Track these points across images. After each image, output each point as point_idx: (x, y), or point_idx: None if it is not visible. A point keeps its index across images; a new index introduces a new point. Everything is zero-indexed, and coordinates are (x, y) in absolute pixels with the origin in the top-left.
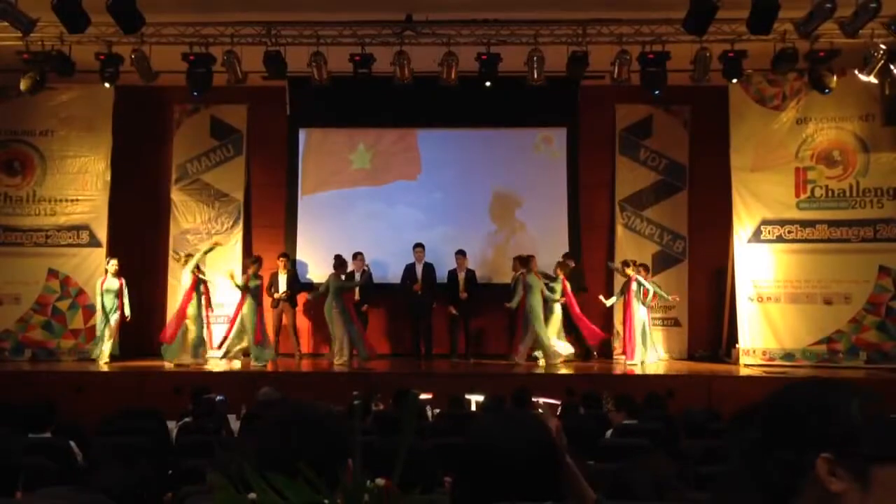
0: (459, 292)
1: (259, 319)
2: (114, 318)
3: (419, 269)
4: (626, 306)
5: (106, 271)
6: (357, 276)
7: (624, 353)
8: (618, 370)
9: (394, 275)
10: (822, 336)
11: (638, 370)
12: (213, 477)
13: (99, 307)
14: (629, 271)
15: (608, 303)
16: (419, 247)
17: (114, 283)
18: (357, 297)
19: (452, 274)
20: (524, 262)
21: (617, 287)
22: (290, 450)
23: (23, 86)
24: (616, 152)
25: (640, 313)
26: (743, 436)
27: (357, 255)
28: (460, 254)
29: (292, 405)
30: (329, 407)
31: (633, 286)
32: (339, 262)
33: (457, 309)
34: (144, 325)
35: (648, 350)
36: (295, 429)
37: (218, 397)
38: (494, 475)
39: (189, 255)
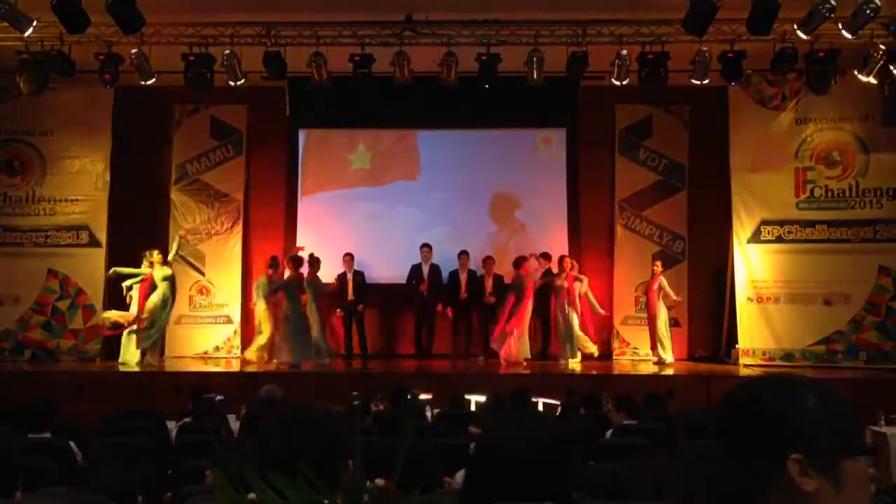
0: (461, 293)
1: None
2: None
3: (426, 269)
4: (650, 305)
5: (152, 264)
6: (348, 276)
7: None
8: (646, 370)
9: (394, 275)
10: (821, 336)
11: (669, 370)
12: (214, 476)
13: (153, 300)
14: (657, 268)
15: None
16: (426, 247)
17: (167, 270)
18: (351, 296)
19: (454, 274)
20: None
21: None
22: (290, 450)
23: (24, 88)
24: (616, 152)
25: (663, 311)
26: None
27: (346, 256)
28: (463, 254)
29: (293, 405)
30: (329, 407)
31: (655, 285)
32: (272, 264)
33: (453, 310)
34: None
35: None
36: (295, 429)
37: (218, 397)
38: (495, 474)
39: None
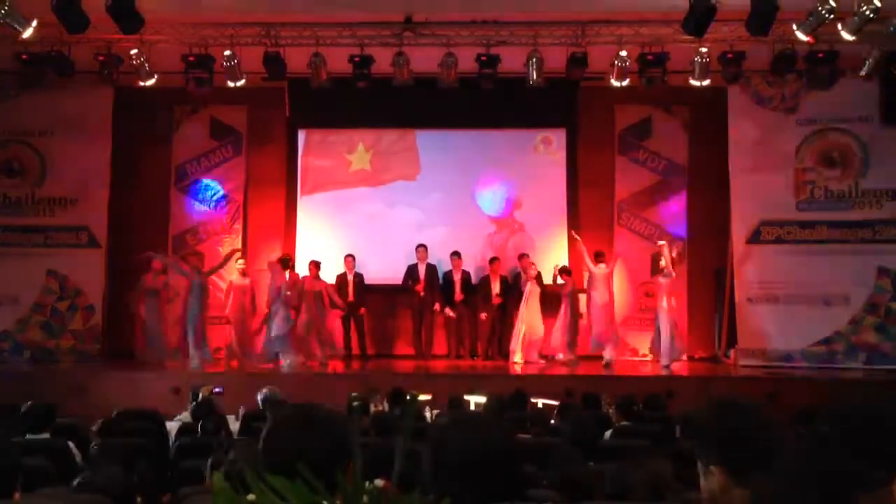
0: (455, 293)
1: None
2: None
3: (422, 269)
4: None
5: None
6: (349, 278)
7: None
8: (646, 370)
9: (393, 275)
10: (821, 337)
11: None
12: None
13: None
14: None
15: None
16: (422, 247)
17: (245, 281)
18: (351, 297)
19: (448, 275)
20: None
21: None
22: (294, 450)
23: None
24: (615, 153)
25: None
26: (807, 436)
27: (348, 257)
28: (455, 255)
29: (297, 406)
30: (333, 408)
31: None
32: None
33: (453, 310)
34: None
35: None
36: (300, 429)
37: (216, 389)
38: (451, 477)
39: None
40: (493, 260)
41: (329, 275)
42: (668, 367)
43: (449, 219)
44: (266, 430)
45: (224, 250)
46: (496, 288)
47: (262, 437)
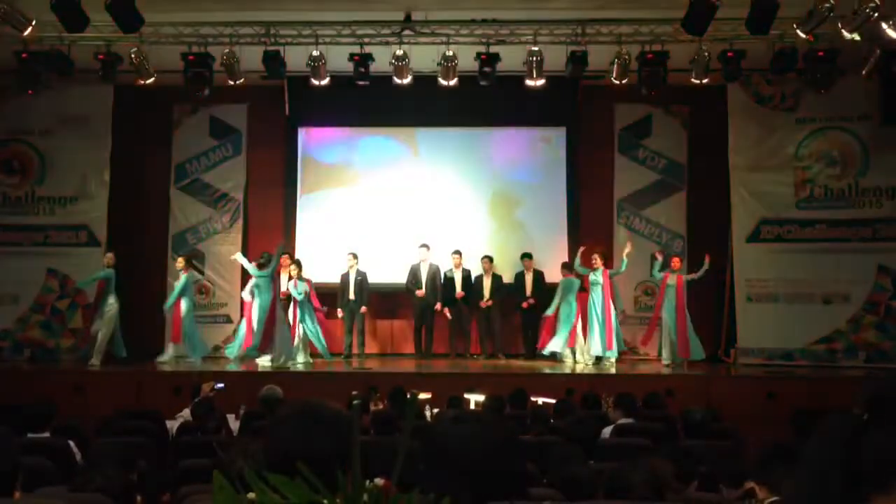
0: (456, 292)
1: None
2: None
3: (424, 268)
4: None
5: (290, 275)
6: (351, 276)
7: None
8: (646, 370)
9: (393, 275)
10: (821, 336)
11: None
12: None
13: (287, 313)
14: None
15: None
16: (423, 247)
17: (303, 286)
18: (352, 297)
19: (449, 273)
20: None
21: None
22: (298, 448)
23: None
24: (615, 152)
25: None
26: (842, 420)
27: (349, 256)
28: (456, 253)
29: (305, 402)
30: (336, 405)
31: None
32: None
33: (451, 310)
34: (144, 325)
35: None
36: (304, 426)
37: (217, 385)
38: (452, 476)
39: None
40: (485, 258)
41: (333, 274)
42: (668, 365)
43: (449, 218)
44: (275, 425)
45: (224, 250)
46: (488, 286)
47: (271, 431)
